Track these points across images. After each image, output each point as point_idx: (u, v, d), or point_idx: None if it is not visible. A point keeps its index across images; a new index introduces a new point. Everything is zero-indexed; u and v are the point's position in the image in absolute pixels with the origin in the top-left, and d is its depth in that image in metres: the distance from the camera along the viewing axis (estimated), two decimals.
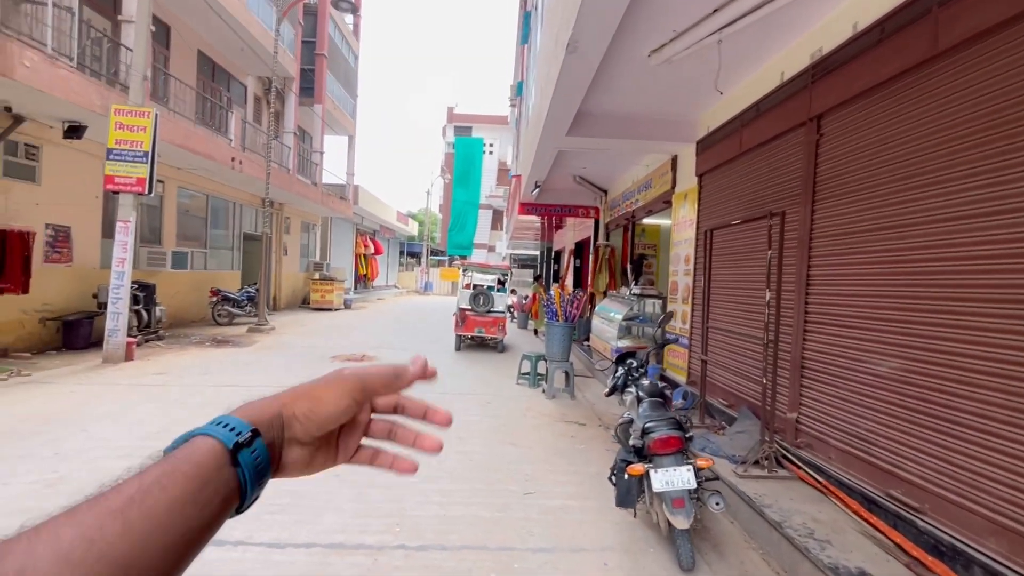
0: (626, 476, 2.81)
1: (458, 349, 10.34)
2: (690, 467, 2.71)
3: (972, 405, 2.54)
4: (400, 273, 38.12)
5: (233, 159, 11.46)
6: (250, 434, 0.44)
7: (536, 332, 14.11)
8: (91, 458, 3.94)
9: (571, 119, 5.65)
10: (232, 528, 3.00)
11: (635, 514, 3.10)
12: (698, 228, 6.08)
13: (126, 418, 4.97)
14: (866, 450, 3.17)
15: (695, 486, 2.66)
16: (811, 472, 3.53)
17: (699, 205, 6.10)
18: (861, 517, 2.98)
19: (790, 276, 3.96)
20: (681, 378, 6.31)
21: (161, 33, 10.75)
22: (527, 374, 7.56)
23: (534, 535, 3.19)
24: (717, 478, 3.20)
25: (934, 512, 2.70)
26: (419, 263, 38.82)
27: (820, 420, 3.65)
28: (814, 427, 3.71)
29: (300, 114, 17.12)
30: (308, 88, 17.45)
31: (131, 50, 7.67)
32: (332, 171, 22.90)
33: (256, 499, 0.45)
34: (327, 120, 18.85)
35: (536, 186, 9.42)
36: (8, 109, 7.08)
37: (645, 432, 2.81)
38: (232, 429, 0.44)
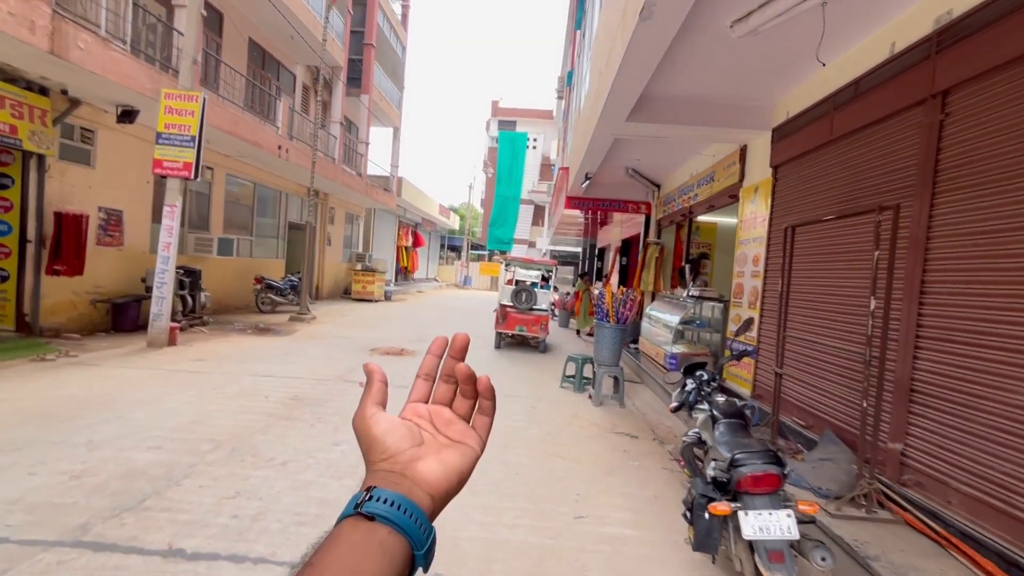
0: (707, 515, 2.35)
1: (498, 347, 9.99)
2: (790, 512, 2.22)
3: None
4: (440, 267, 38.21)
5: (280, 147, 11.46)
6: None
7: (579, 332, 13.61)
8: (121, 448, 3.77)
9: (634, 102, 5.14)
10: (254, 543, 2.71)
11: (714, 559, 2.64)
12: (771, 225, 5.47)
13: (161, 406, 4.84)
14: (1006, 499, 2.58)
15: (797, 537, 2.17)
16: (922, 517, 2.95)
17: (773, 200, 5.49)
18: None
19: (899, 282, 3.37)
20: (745, 390, 5.72)
21: (214, 20, 10.81)
22: (572, 377, 7.12)
23: (590, 571, 2.77)
24: (813, 521, 2.68)
25: None
26: (459, 257, 38.81)
27: (935, 455, 3.06)
28: (926, 462, 3.12)
29: (347, 104, 17.14)
30: (355, 78, 17.45)
31: (182, 34, 7.63)
32: (377, 162, 23.03)
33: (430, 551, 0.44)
34: (373, 111, 18.84)
35: (586, 178, 8.93)
36: (64, 92, 7.15)
37: (734, 465, 2.34)
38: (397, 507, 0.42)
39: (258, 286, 12.20)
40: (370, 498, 0.42)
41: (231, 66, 10.76)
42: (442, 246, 40.32)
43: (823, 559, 2.18)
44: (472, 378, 0.52)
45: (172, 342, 7.55)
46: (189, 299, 9.28)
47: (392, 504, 0.42)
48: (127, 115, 7.81)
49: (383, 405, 0.50)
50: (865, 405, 3.21)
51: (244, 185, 12.63)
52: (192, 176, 7.42)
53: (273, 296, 12.41)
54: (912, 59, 3.48)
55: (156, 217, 9.17)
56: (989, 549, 2.58)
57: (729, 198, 6.79)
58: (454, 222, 37.52)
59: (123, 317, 8.38)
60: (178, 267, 8.90)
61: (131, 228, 8.86)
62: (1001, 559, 2.51)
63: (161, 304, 7.42)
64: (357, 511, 0.41)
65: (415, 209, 25.63)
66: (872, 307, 3.17)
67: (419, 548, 0.41)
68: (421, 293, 25.31)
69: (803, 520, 2.50)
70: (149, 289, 8.40)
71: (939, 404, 3.08)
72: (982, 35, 2.95)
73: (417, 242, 27.96)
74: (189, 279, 9.27)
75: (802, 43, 4.22)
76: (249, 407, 5.01)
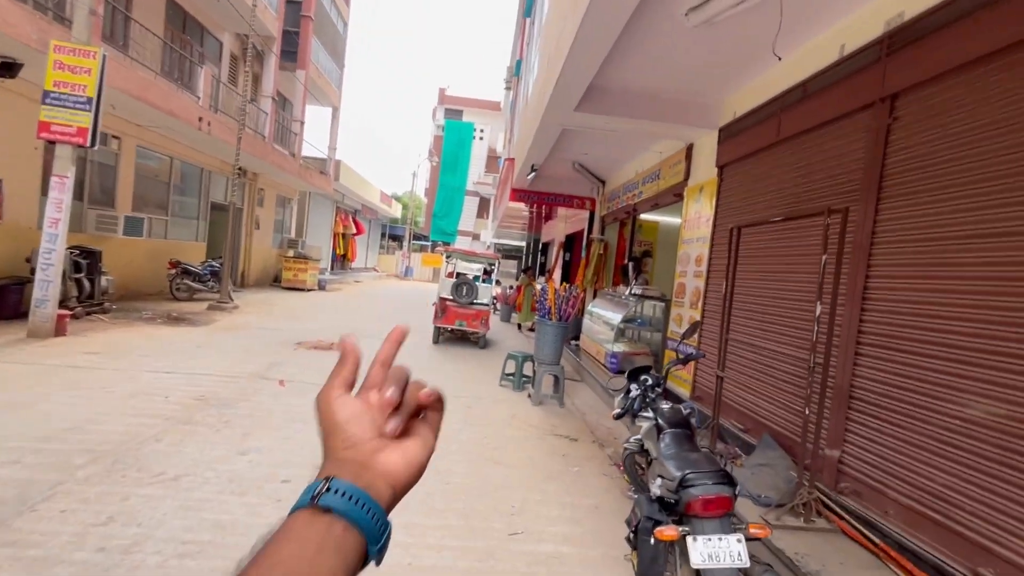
0: (652, 540, 2.14)
1: (436, 342, 9.58)
2: (740, 537, 2.05)
3: None
4: (380, 256, 37.00)
5: (201, 119, 10.43)
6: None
7: (520, 327, 13.43)
8: None
9: (583, 89, 4.91)
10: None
11: None
12: (715, 226, 5.43)
13: (32, 409, 4.13)
14: (944, 511, 2.55)
15: (748, 564, 2.00)
16: (859, 527, 2.91)
17: (718, 200, 5.44)
18: None
19: (841, 287, 3.32)
20: (684, 391, 5.68)
21: None
22: (511, 375, 6.86)
23: None
24: (759, 539, 2.55)
25: None
26: (401, 247, 37.75)
27: (873, 464, 3.02)
28: (864, 471, 3.09)
29: (281, 79, 15.99)
30: (291, 52, 16.30)
31: None
32: (313, 143, 21.82)
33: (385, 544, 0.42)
34: (310, 88, 17.72)
35: (532, 170, 8.68)
36: None
37: (683, 485, 2.13)
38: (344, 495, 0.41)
39: (173, 271, 11.10)
40: (328, 489, 0.40)
41: (142, 24, 9.62)
42: (383, 235, 39.06)
43: None
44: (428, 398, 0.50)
45: (61, 332, 6.62)
46: (86, 283, 8.24)
47: (350, 498, 0.40)
48: (6, 68, 6.73)
49: (351, 387, 0.48)
50: (808, 412, 3.14)
51: (160, 159, 11.45)
52: (88, 143, 6.50)
53: (190, 282, 11.33)
54: (861, 62, 3.44)
55: (47, 189, 8.06)
56: (926, 562, 2.54)
57: (674, 196, 6.74)
58: (396, 211, 36.43)
59: (1, 303, 7.28)
60: (74, 247, 7.90)
61: (14, 200, 7.72)
62: (938, 572, 2.48)
63: (47, 288, 6.48)
64: (314, 503, 0.39)
65: (355, 195, 24.55)
66: (818, 312, 3.09)
67: (374, 544, 0.40)
68: (359, 283, 24.30)
69: (751, 539, 2.34)
70: (35, 271, 7.37)
71: (877, 412, 3.05)
72: (933, 39, 2.91)
73: (357, 230, 26.83)
74: (87, 261, 8.23)
75: (753, 40, 4.12)
76: (143, 409, 4.38)
